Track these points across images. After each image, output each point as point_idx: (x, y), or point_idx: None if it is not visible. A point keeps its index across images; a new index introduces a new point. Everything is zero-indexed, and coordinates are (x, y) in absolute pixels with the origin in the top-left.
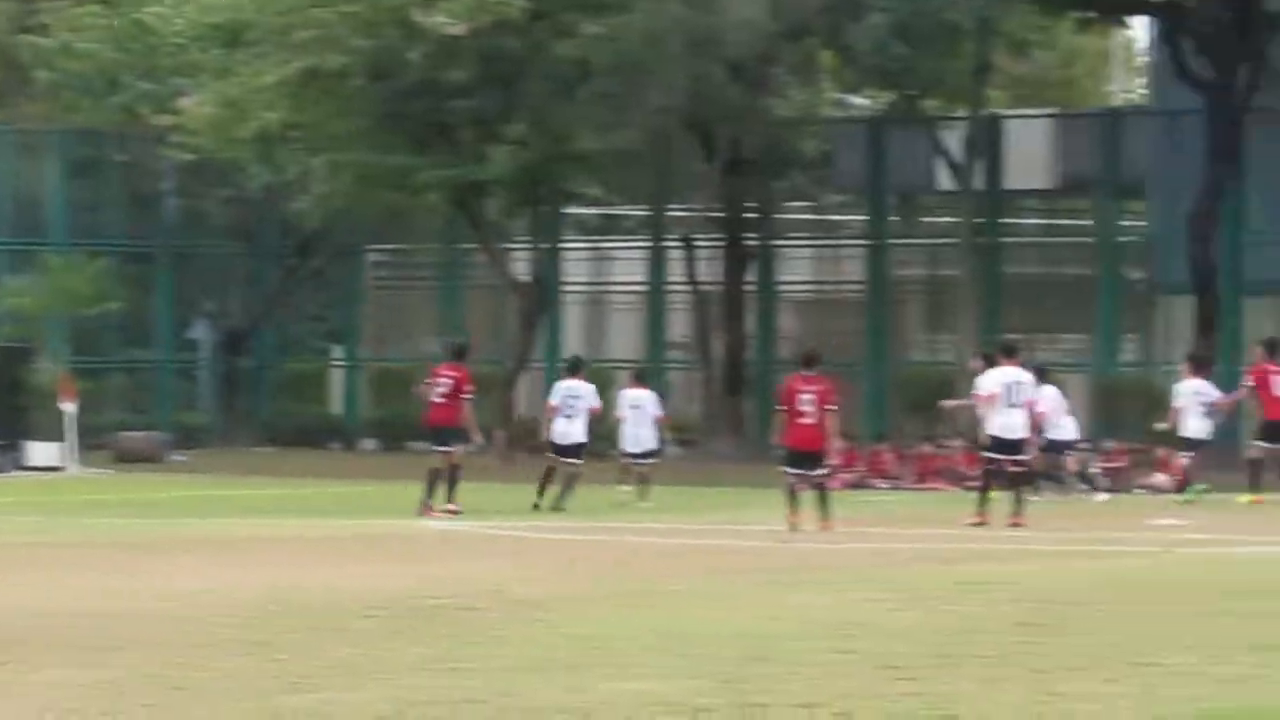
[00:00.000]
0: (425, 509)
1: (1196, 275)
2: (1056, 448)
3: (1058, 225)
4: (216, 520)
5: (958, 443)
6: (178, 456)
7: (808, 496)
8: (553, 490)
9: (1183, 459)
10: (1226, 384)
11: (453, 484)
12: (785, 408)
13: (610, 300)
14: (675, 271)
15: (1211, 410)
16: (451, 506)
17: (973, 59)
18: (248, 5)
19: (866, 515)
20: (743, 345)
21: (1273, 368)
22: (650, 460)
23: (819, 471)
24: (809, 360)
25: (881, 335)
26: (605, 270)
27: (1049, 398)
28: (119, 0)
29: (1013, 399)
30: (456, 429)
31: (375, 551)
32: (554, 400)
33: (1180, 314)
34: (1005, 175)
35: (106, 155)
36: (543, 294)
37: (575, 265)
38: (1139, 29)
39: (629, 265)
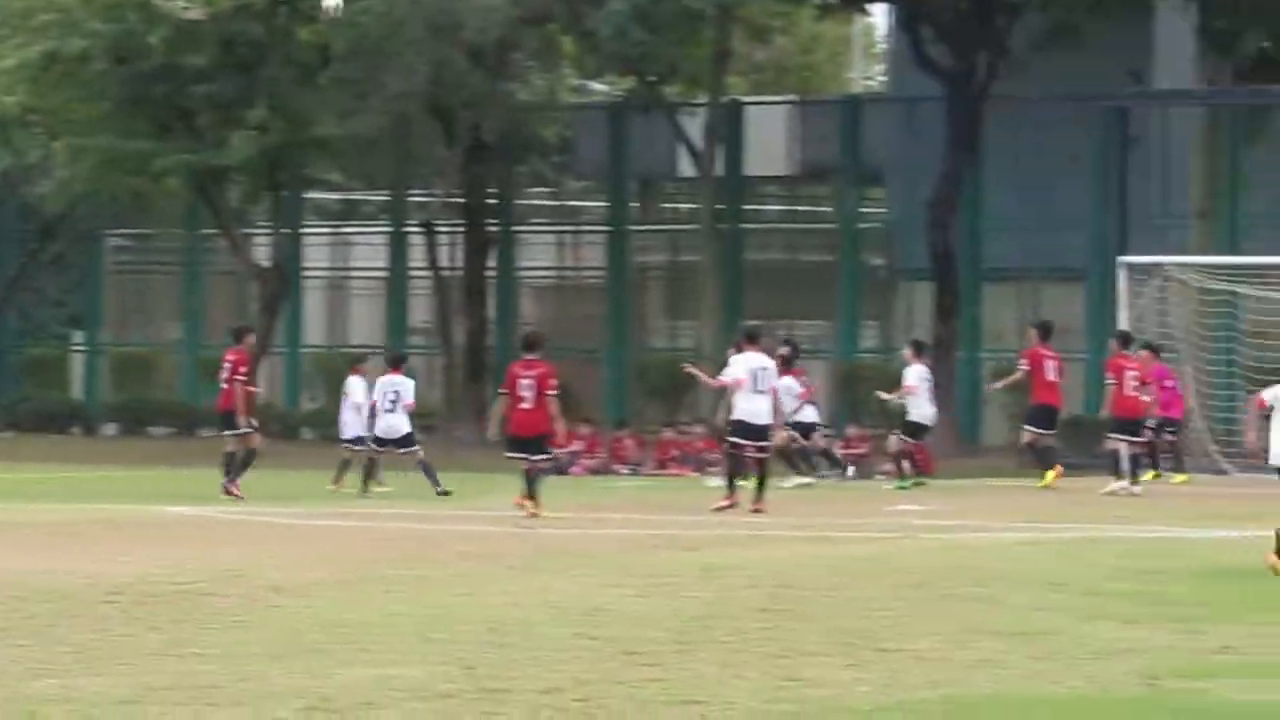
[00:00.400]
0: (227, 489)
1: (936, 262)
2: (801, 429)
3: (799, 212)
4: None
5: (699, 429)
6: None
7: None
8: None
9: (904, 442)
10: (968, 370)
11: (243, 467)
12: (506, 393)
13: (351, 286)
14: (416, 257)
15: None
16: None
17: (713, 45)
18: None
19: (609, 501)
20: (484, 331)
21: (1046, 351)
22: (412, 449)
23: (540, 456)
24: (530, 345)
25: (623, 321)
26: (346, 255)
27: (786, 386)
28: None
29: (758, 385)
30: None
31: (117, 536)
32: (375, 395)
33: (920, 300)
34: (746, 162)
35: None
36: (284, 279)
37: (316, 250)
38: (879, 16)
39: (370, 250)
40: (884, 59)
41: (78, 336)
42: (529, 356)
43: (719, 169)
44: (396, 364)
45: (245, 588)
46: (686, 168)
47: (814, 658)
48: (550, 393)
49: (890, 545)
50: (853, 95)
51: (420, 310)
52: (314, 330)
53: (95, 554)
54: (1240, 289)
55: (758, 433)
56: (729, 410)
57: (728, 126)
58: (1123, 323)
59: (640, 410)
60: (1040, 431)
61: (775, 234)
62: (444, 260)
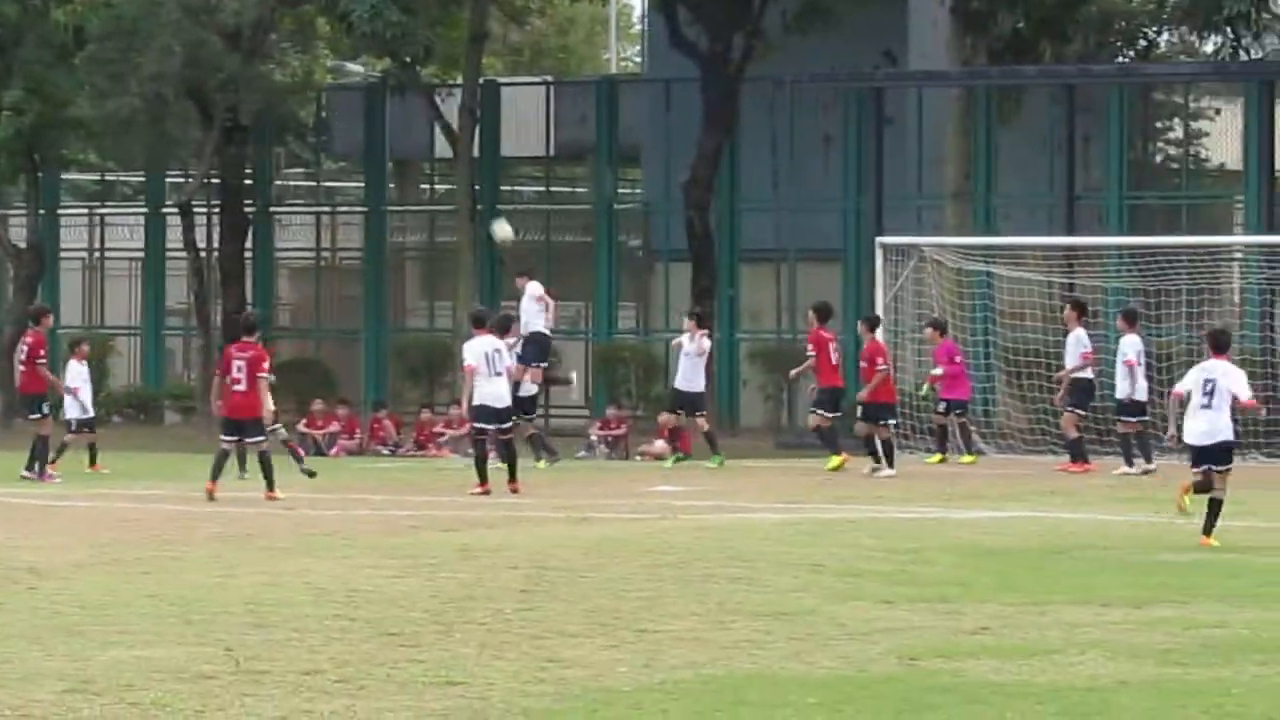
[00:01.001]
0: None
1: (693, 242)
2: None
3: (556, 193)
4: None
5: (455, 410)
6: None
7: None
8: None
9: (700, 420)
10: (726, 351)
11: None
12: (222, 374)
13: (108, 267)
14: (174, 238)
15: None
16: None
17: (469, 26)
18: None
19: (369, 483)
20: (242, 312)
21: (827, 334)
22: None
23: (254, 439)
24: (246, 328)
25: (381, 302)
26: (103, 237)
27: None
28: None
29: (494, 368)
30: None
31: None
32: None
33: (678, 281)
34: (503, 142)
35: None
36: (40, 260)
37: (73, 232)
38: None
39: (127, 231)
40: (640, 40)
41: None
42: (246, 339)
43: (475, 150)
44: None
45: (0, 569)
46: (443, 148)
47: (573, 639)
48: (263, 375)
49: (649, 526)
50: (609, 76)
51: (178, 292)
52: (70, 311)
53: None
54: (995, 269)
55: (498, 415)
56: (469, 397)
57: (484, 107)
58: (879, 303)
59: (399, 391)
60: (827, 415)
61: (532, 215)
62: (201, 241)
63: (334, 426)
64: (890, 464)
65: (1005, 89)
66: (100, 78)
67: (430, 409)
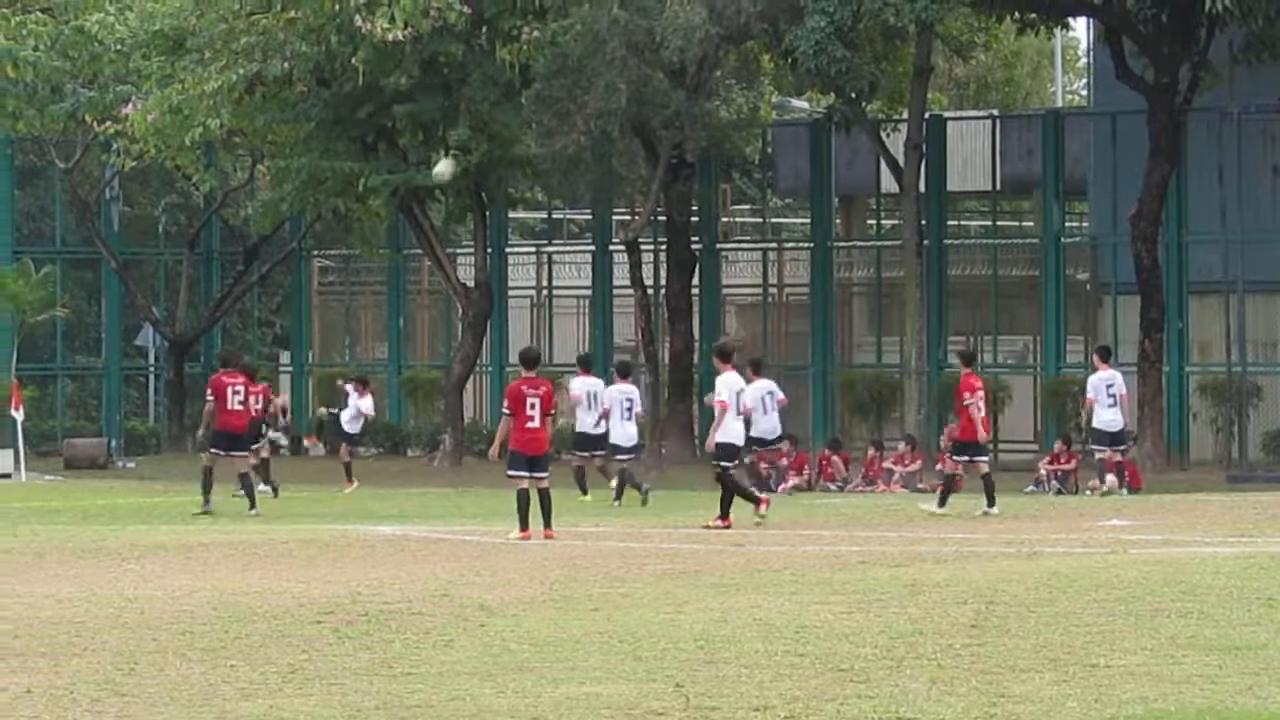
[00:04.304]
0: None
1: (1141, 275)
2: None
3: (1002, 227)
4: (165, 527)
5: (902, 445)
6: (126, 463)
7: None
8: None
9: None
10: (1175, 384)
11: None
12: (511, 413)
13: (556, 304)
14: (620, 275)
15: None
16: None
17: (913, 61)
18: (190, 12)
19: (816, 518)
20: (690, 349)
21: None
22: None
23: (542, 474)
24: (529, 362)
25: (827, 338)
26: (550, 274)
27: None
28: (62, 8)
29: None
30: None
31: (324, 556)
32: (609, 404)
33: (1126, 314)
34: (949, 176)
35: (51, 162)
36: (489, 298)
37: (520, 270)
38: (1080, 30)
39: (574, 269)
40: (1086, 72)
41: (285, 357)
42: (529, 374)
43: (921, 184)
44: (625, 373)
45: (452, 606)
46: (889, 183)
47: (1023, 674)
48: (552, 412)
49: (1099, 560)
50: (1054, 109)
51: (624, 328)
52: (520, 349)
53: (303, 574)
54: None
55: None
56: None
57: (929, 142)
58: None
59: (847, 427)
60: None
61: (978, 249)
62: (648, 278)
63: (782, 462)
64: None
65: None
66: (546, 116)
67: (879, 445)
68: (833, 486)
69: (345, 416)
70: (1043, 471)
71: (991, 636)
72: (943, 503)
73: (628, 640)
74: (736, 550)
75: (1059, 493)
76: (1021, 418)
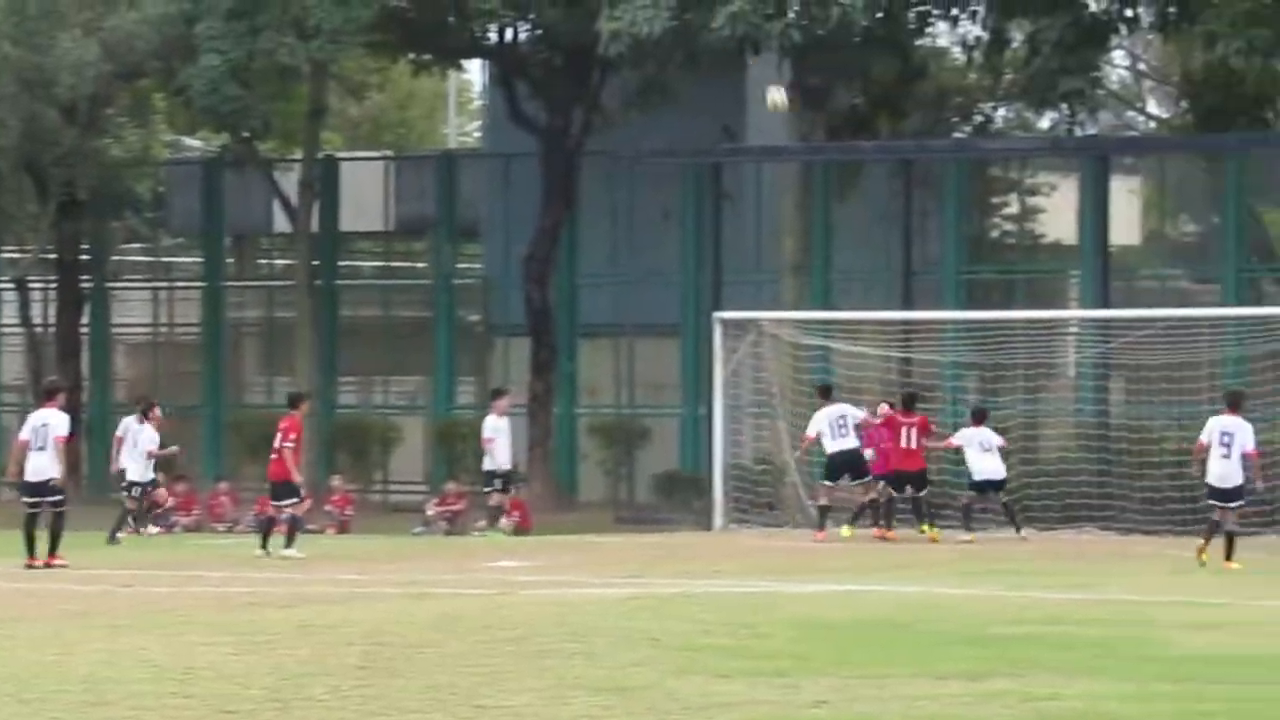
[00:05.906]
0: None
1: (532, 317)
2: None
3: (395, 267)
4: None
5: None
6: None
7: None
8: None
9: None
10: (565, 425)
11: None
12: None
13: None
14: (9, 314)
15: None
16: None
17: (308, 101)
18: None
19: (206, 559)
20: (79, 388)
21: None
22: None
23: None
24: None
25: (218, 377)
26: None
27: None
28: None
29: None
30: None
31: None
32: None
33: (518, 355)
34: (342, 217)
35: None
36: None
37: None
38: (475, 72)
39: None
40: (480, 114)
41: None
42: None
43: (314, 225)
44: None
45: None
46: (282, 223)
47: (412, 714)
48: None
49: (488, 601)
50: (448, 151)
51: (14, 367)
52: None
53: None
54: (832, 344)
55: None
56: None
57: (323, 182)
58: (717, 378)
59: (236, 467)
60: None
61: (371, 289)
62: (37, 317)
63: (170, 502)
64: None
65: (843, 164)
66: None
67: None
68: (220, 527)
69: None
70: (431, 511)
71: (380, 678)
72: (289, 544)
73: (11, 683)
74: (126, 591)
75: (448, 533)
76: (411, 458)
